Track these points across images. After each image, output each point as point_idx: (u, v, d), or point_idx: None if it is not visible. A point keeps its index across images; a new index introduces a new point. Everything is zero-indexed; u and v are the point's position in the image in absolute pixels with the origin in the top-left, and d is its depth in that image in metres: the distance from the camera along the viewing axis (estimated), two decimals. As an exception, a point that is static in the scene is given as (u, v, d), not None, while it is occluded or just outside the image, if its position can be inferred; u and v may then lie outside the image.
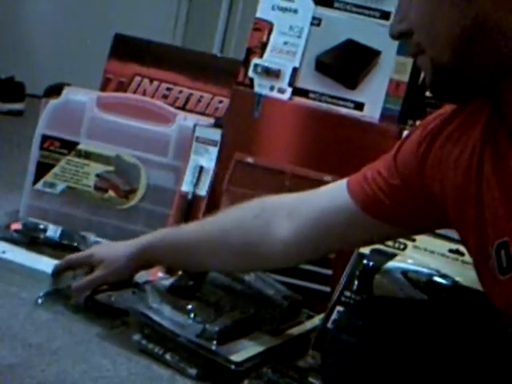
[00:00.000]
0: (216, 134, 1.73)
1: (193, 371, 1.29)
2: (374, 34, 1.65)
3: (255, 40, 1.74)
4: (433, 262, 1.37)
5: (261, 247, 1.23)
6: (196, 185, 1.71)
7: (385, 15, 1.65)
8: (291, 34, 1.72)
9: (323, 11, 1.71)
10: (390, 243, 1.42)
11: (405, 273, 1.37)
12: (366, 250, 1.42)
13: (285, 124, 1.69)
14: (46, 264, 1.52)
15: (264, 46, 1.73)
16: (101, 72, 2.11)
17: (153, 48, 2.15)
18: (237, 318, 1.37)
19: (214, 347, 1.28)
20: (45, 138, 1.87)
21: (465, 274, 1.32)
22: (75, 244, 1.67)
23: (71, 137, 1.87)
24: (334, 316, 1.37)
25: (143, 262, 1.39)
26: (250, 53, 1.74)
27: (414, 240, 1.42)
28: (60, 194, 1.87)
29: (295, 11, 1.72)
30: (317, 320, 1.45)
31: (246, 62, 1.74)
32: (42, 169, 1.88)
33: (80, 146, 1.86)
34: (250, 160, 1.68)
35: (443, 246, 1.38)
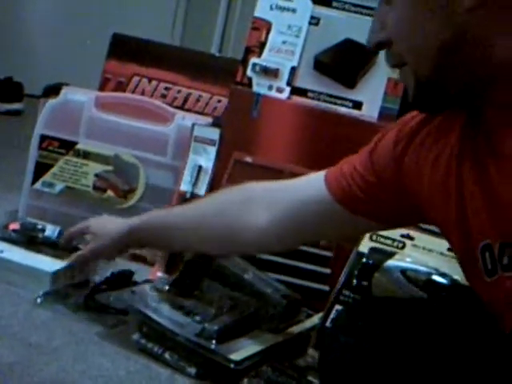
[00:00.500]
0: (214, 134, 1.73)
1: (192, 370, 1.29)
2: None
3: (254, 39, 1.75)
4: (431, 260, 1.37)
5: (239, 234, 1.26)
6: (195, 184, 1.71)
7: (383, 14, 1.65)
8: (290, 33, 1.72)
9: (322, 10, 1.71)
10: (388, 242, 1.42)
11: (404, 271, 1.37)
12: (364, 249, 1.42)
13: (283, 123, 1.69)
14: (45, 263, 1.52)
15: (262, 45, 1.73)
16: (99, 72, 2.11)
17: (151, 48, 2.15)
18: (236, 317, 1.37)
19: (213, 346, 1.28)
20: (43, 137, 1.87)
21: (463, 273, 1.32)
22: (74, 243, 1.67)
23: (70, 136, 1.87)
24: (333, 315, 1.37)
25: (132, 242, 1.41)
26: (248, 52, 1.74)
27: (412, 239, 1.42)
28: (59, 194, 1.87)
29: (293, 10, 1.73)
30: (316, 319, 1.45)
31: (245, 62, 1.74)
32: (41, 169, 1.88)
33: (79, 146, 1.86)
34: (248, 159, 1.68)
35: (442, 244, 1.38)
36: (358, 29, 1.67)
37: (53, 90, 2.02)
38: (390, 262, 1.40)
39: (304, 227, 1.19)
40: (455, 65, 0.85)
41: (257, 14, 1.75)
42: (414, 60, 0.87)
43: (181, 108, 1.99)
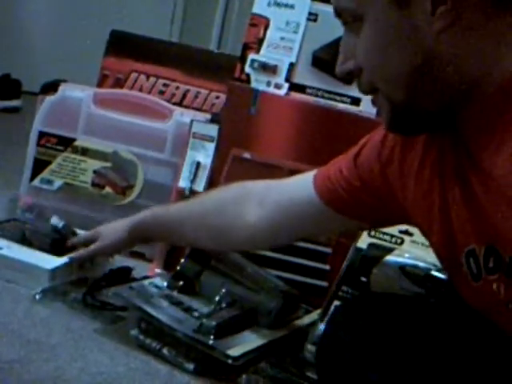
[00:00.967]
0: (213, 130, 1.73)
1: (190, 366, 1.29)
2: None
3: (252, 36, 1.74)
4: (430, 256, 1.37)
5: (232, 231, 1.30)
6: (193, 181, 1.71)
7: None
8: (288, 29, 1.72)
9: (320, 6, 1.71)
10: (387, 238, 1.42)
11: (402, 267, 1.37)
12: (363, 245, 1.42)
13: (282, 119, 1.69)
14: (43, 260, 1.51)
15: (261, 41, 1.73)
16: (97, 68, 2.11)
17: (149, 44, 2.15)
18: (234, 313, 1.37)
19: (211, 342, 1.29)
20: (42, 134, 1.87)
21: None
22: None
23: (68, 133, 1.87)
24: (331, 311, 1.37)
25: (136, 237, 1.47)
26: (246, 48, 1.74)
27: (411, 234, 1.42)
28: (57, 191, 1.87)
29: (292, 6, 1.72)
30: (315, 315, 1.45)
31: (243, 58, 1.74)
32: (39, 165, 1.88)
33: (77, 143, 1.86)
34: (247, 155, 1.68)
35: (440, 240, 1.38)
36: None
37: (51, 87, 2.01)
38: (389, 258, 1.40)
39: (293, 225, 1.23)
40: (428, 87, 0.85)
41: (255, 10, 1.75)
42: (387, 86, 0.87)
43: (179, 104, 1.99)
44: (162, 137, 1.82)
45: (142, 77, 2.06)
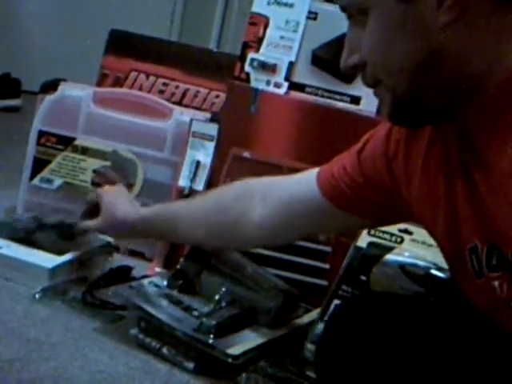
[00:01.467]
0: (212, 129, 1.73)
1: (190, 365, 1.29)
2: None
3: (251, 34, 1.74)
4: (430, 254, 1.37)
5: (236, 228, 1.30)
6: (193, 180, 1.71)
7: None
8: (287, 28, 1.72)
9: (319, 5, 1.71)
10: (387, 236, 1.42)
11: (402, 266, 1.37)
12: (363, 244, 1.42)
13: (281, 118, 1.69)
14: (43, 259, 1.51)
15: (260, 40, 1.73)
16: (97, 67, 2.11)
17: (149, 43, 2.14)
18: (234, 312, 1.37)
19: (211, 341, 1.29)
20: (41, 133, 1.87)
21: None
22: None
23: (68, 132, 1.87)
24: (331, 310, 1.37)
25: (137, 232, 1.45)
26: (246, 47, 1.74)
27: (411, 233, 1.42)
28: (57, 190, 1.87)
29: (291, 5, 1.72)
30: (314, 314, 1.45)
31: (243, 57, 1.74)
32: (39, 164, 1.88)
33: (76, 142, 1.86)
34: (246, 154, 1.68)
35: (440, 239, 1.38)
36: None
37: (50, 86, 2.01)
38: (389, 257, 1.40)
39: (297, 222, 1.23)
40: (432, 81, 0.85)
41: (254, 9, 1.75)
42: (391, 79, 0.87)
43: (179, 103, 1.98)
44: (162, 136, 1.82)
45: (142, 76, 2.06)
